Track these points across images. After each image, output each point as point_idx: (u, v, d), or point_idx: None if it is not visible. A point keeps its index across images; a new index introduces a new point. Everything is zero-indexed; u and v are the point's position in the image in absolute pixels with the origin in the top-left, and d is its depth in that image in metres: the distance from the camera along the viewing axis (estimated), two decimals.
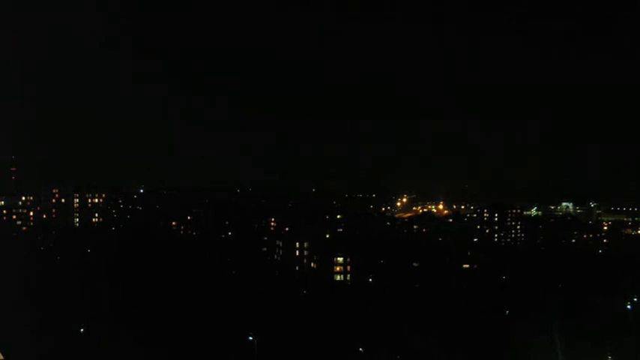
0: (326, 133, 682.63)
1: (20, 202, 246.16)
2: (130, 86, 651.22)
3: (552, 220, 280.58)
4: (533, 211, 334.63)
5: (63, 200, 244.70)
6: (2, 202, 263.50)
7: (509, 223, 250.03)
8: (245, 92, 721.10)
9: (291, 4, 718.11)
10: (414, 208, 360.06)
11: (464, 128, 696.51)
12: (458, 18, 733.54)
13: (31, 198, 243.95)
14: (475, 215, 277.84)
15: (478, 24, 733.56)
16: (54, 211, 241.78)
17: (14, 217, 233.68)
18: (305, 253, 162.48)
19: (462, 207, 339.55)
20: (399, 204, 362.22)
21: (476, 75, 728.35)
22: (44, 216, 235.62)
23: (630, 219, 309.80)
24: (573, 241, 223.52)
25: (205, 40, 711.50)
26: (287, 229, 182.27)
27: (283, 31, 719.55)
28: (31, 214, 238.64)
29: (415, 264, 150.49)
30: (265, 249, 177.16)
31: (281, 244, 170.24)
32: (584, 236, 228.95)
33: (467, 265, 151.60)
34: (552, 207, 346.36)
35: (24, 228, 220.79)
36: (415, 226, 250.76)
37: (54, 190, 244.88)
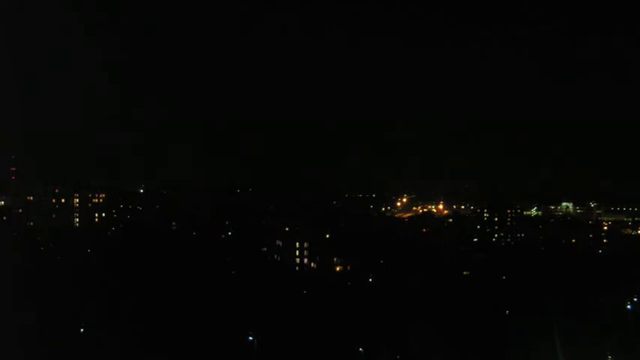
0: (325, 132, 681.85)
1: (20, 202, 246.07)
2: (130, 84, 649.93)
3: (552, 220, 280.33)
4: (533, 211, 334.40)
5: (63, 200, 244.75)
6: (2, 202, 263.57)
7: (509, 223, 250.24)
8: (245, 92, 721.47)
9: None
10: (414, 208, 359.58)
11: (464, 128, 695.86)
12: (460, 28, 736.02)
13: (31, 198, 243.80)
14: (475, 215, 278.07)
15: (479, 34, 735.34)
16: (54, 210, 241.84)
17: (14, 217, 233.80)
18: (305, 253, 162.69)
19: (462, 207, 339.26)
20: (399, 204, 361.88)
21: (476, 76, 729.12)
22: (44, 216, 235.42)
23: (630, 219, 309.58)
24: (573, 241, 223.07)
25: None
26: (287, 229, 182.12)
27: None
28: (31, 214, 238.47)
29: (415, 264, 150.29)
30: (265, 249, 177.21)
31: (281, 244, 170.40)
32: (584, 236, 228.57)
33: (466, 265, 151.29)
34: (552, 207, 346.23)
35: (24, 228, 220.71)
36: (415, 226, 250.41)
37: (54, 190, 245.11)
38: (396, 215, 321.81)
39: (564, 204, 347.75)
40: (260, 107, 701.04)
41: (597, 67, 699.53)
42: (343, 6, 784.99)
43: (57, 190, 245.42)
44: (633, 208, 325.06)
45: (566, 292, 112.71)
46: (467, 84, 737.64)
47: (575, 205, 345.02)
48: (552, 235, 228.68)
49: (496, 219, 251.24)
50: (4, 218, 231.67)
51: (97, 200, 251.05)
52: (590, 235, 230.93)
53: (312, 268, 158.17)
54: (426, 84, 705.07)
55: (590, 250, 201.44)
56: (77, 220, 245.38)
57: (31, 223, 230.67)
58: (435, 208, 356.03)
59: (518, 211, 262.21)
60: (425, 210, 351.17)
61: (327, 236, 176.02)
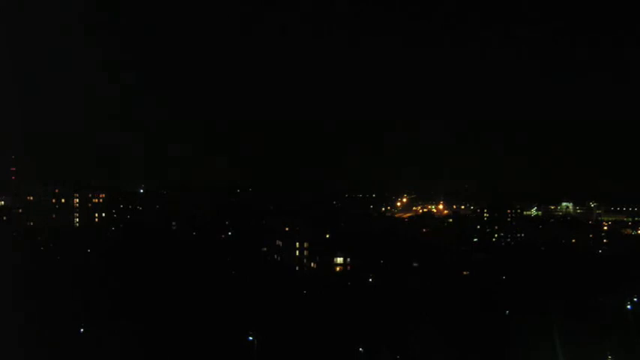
0: (325, 132, 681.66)
1: (20, 202, 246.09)
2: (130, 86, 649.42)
3: (552, 220, 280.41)
4: (533, 211, 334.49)
5: (63, 200, 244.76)
6: (2, 202, 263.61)
7: (509, 223, 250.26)
8: (245, 92, 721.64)
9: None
10: (414, 208, 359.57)
11: (464, 128, 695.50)
12: (460, 28, 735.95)
13: (31, 198, 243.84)
14: (475, 215, 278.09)
15: (479, 34, 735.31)
16: (54, 210, 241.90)
17: (14, 217, 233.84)
18: (305, 253, 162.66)
19: (462, 207, 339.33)
20: (399, 204, 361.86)
21: (476, 76, 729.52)
22: (44, 216, 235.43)
23: (630, 219, 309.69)
24: (573, 241, 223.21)
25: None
26: (287, 229, 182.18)
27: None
28: (31, 214, 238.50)
29: (415, 264, 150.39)
30: (265, 249, 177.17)
31: (281, 244, 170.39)
32: (584, 236, 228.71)
33: (466, 265, 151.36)
34: (552, 207, 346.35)
35: (24, 228, 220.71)
36: (415, 226, 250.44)
37: (54, 190, 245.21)
38: (396, 215, 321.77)
39: (564, 204, 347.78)
40: (260, 107, 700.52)
41: (597, 67, 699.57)
42: (343, 6, 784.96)
43: (57, 190, 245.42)
44: (633, 208, 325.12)
45: (566, 292, 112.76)
46: (467, 84, 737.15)
47: (575, 205, 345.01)
48: (552, 235, 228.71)
49: (496, 219, 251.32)
50: (4, 218, 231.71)
51: (97, 200, 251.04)
52: (590, 235, 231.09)
53: (312, 268, 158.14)
54: (426, 84, 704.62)
55: (590, 250, 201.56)
56: (77, 220, 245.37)
57: (31, 223, 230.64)
58: (435, 208, 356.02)
59: (518, 211, 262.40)
60: (425, 210, 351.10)
61: (327, 236, 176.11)
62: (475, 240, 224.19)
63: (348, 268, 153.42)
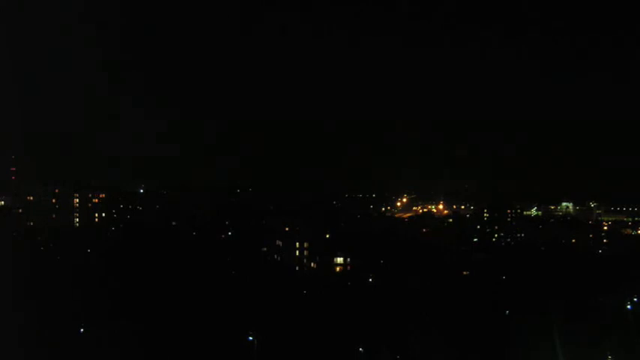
0: (325, 132, 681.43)
1: (20, 202, 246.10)
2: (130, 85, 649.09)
3: (552, 220, 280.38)
4: (533, 211, 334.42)
5: (63, 200, 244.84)
6: (2, 202, 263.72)
7: (509, 223, 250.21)
8: (245, 92, 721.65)
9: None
10: (414, 208, 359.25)
11: (464, 128, 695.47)
12: (460, 28, 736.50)
13: (31, 198, 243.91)
14: (475, 215, 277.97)
15: (479, 34, 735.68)
16: (54, 210, 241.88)
17: (14, 217, 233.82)
18: (305, 253, 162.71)
19: (462, 207, 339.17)
20: (399, 204, 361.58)
21: (476, 76, 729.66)
22: (44, 216, 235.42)
23: (630, 219, 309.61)
24: (573, 241, 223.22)
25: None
26: (287, 229, 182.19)
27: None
28: (31, 214, 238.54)
29: (415, 264, 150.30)
30: (265, 249, 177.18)
31: (281, 244, 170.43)
32: (584, 236, 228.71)
33: (466, 265, 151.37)
34: (552, 207, 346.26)
35: (24, 228, 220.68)
36: (415, 226, 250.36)
37: (54, 190, 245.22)
38: (396, 215, 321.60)
39: (564, 204, 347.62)
40: (260, 107, 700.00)
41: (597, 67, 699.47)
42: (343, 6, 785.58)
43: (57, 190, 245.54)
44: (633, 208, 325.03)
45: (566, 292, 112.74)
46: (467, 84, 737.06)
47: (575, 205, 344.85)
48: (552, 235, 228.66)
49: (496, 219, 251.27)
50: (4, 218, 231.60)
51: (97, 200, 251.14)
52: (590, 235, 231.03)
53: (312, 268, 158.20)
54: (426, 84, 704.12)
55: (590, 250, 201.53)
56: (77, 220, 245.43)
57: (31, 223, 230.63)
58: (435, 208, 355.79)
59: (518, 211, 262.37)
60: (425, 210, 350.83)
61: (327, 236, 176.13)
62: (475, 240, 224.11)
63: (348, 268, 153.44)
